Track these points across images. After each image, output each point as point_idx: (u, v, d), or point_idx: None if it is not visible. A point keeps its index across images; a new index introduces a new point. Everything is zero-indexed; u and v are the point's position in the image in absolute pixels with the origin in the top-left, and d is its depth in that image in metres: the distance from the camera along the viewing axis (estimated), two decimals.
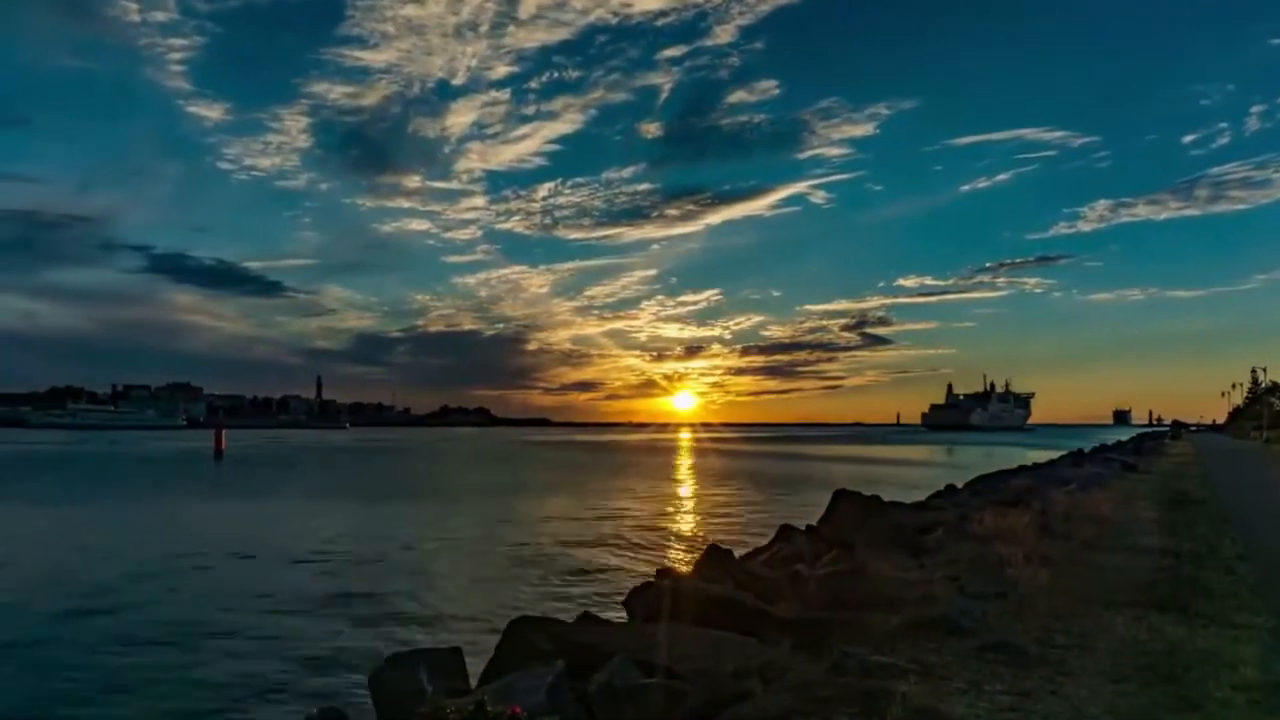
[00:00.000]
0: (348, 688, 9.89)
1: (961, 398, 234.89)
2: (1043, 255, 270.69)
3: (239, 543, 22.97)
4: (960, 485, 26.34)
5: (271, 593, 16.03)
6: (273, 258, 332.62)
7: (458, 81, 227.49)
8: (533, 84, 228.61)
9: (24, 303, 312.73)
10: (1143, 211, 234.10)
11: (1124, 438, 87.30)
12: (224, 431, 76.66)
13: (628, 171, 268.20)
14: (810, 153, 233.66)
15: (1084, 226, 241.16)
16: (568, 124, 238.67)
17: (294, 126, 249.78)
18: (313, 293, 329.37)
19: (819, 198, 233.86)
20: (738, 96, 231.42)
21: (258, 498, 36.26)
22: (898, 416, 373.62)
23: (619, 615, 9.63)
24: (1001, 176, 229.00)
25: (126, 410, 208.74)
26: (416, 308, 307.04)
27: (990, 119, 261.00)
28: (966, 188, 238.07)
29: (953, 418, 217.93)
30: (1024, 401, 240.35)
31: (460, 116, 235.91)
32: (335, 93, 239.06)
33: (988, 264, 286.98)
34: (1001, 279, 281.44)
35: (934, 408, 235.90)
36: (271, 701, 9.83)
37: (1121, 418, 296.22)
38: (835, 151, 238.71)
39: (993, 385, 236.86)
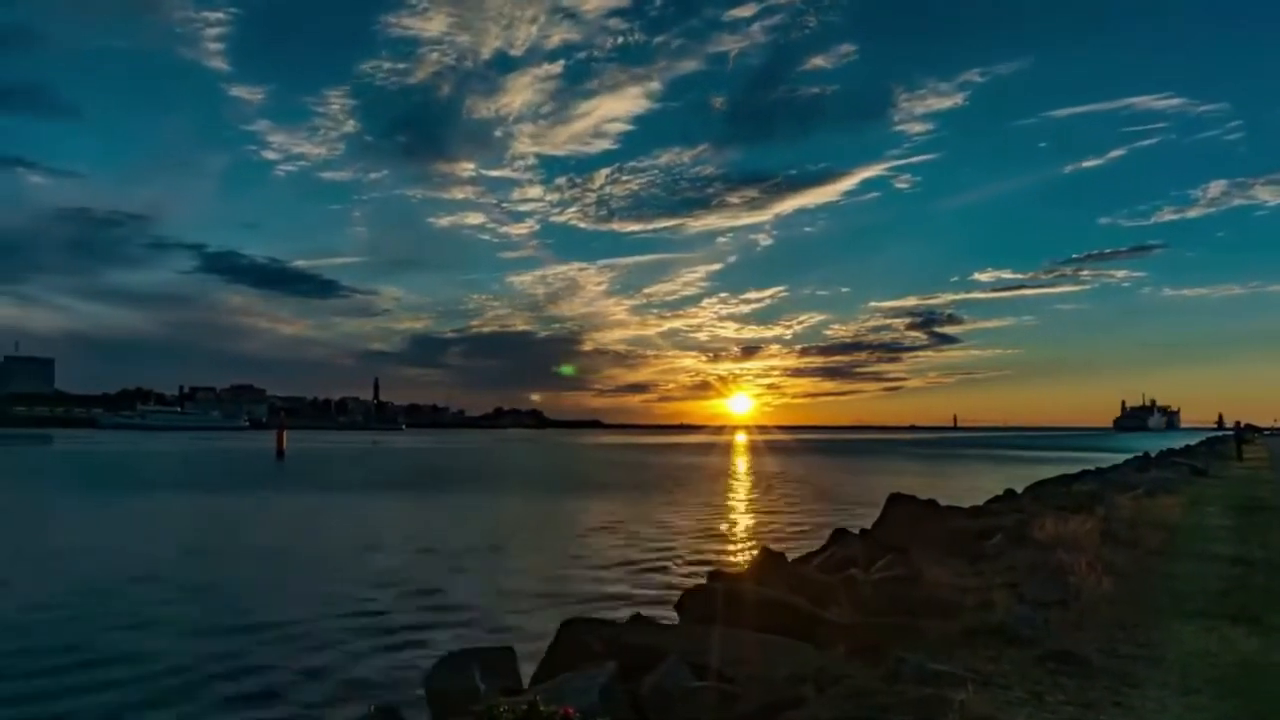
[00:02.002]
0: (402, 685, 10.04)
1: (1131, 409, 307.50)
2: (1137, 245, 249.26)
3: (294, 540, 23.53)
4: (1020, 490, 25.74)
5: (329, 589, 16.34)
6: (324, 255, 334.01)
7: (515, 52, 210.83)
8: (594, 53, 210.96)
9: (85, 305, 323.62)
10: (1262, 194, 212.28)
11: (1192, 442, 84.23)
12: (285, 433, 78.81)
13: (689, 155, 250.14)
14: (890, 129, 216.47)
15: (1192, 212, 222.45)
16: (629, 100, 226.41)
17: (339, 109, 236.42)
18: (367, 293, 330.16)
19: (896, 183, 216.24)
20: (813, 63, 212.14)
21: (319, 497, 37.07)
22: (954, 419, 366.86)
23: (671, 617, 9.62)
24: (1116, 152, 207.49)
25: (192, 411, 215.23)
26: (471, 308, 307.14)
27: (1098, 86, 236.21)
28: (1070, 168, 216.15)
29: (1135, 423, 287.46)
30: (1165, 411, 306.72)
31: (516, 95, 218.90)
32: (383, 69, 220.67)
33: (1074, 255, 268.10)
34: (1086, 271, 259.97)
35: (1122, 416, 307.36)
36: (326, 698, 10.02)
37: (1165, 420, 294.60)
38: (917, 128, 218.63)
39: (1152, 401, 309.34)
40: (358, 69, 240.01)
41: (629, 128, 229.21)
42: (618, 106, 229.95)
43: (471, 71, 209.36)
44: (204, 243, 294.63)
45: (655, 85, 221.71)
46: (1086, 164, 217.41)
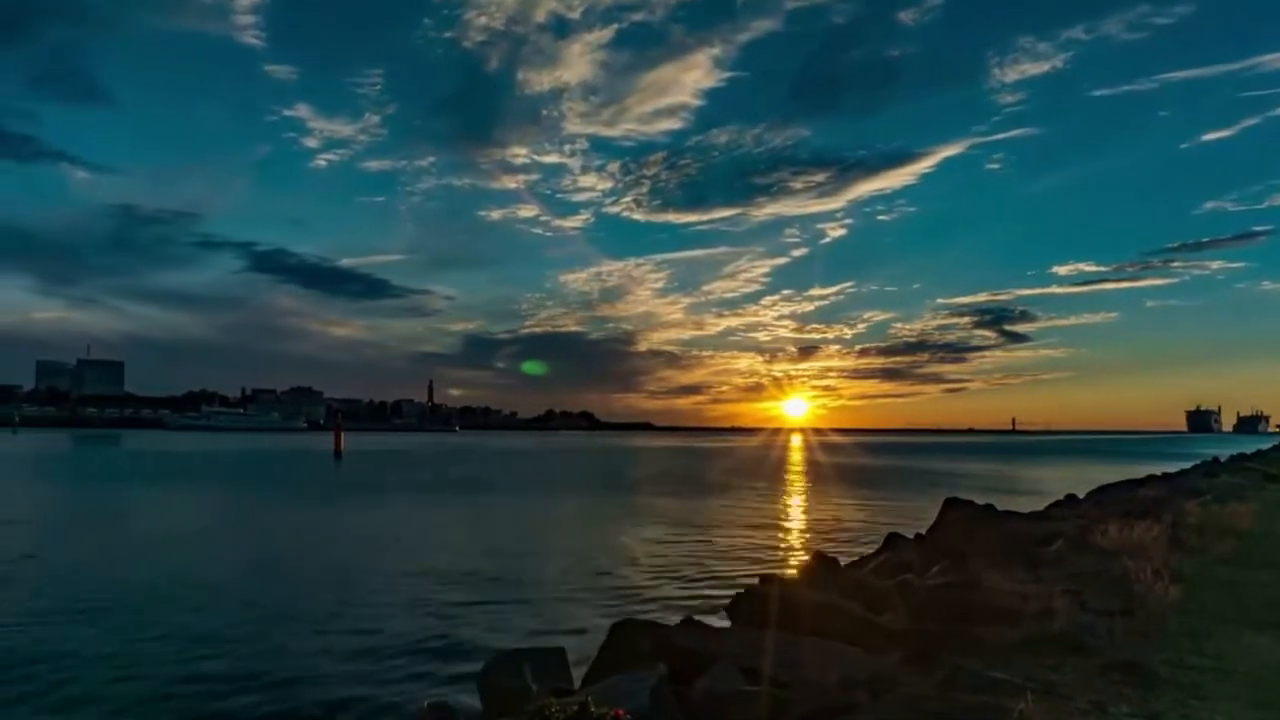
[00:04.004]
0: (456, 683, 10.16)
1: (1243, 417, 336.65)
2: (1241, 232, 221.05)
3: (352, 536, 23.97)
4: (1082, 495, 25.12)
5: (385, 587, 16.61)
6: (371, 252, 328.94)
7: (571, 15, 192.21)
8: (656, 12, 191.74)
9: (140, 307, 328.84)
10: None
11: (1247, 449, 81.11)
12: (342, 434, 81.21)
13: (751, 135, 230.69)
14: (976, 100, 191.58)
15: None
16: (692, 70, 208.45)
17: (380, 87, 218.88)
18: (418, 293, 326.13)
19: (981, 164, 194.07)
20: (896, 18, 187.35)
21: (375, 495, 37.76)
22: (1013, 422, 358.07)
23: (722, 621, 9.58)
24: (1250, 120, 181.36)
25: (254, 413, 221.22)
26: (524, 308, 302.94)
27: (1226, 42, 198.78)
28: (1187, 144, 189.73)
29: (1251, 428, 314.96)
30: (1266, 419, 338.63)
31: (570, 66, 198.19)
32: (427, 37, 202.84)
33: (1168, 245, 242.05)
34: (1177, 263, 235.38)
35: (1239, 425, 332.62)
36: (381, 694, 10.18)
37: (1200, 422, 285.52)
38: (1008, 98, 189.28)
39: (1261, 412, 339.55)
40: (399, 37, 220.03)
41: (690, 101, 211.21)
42: (680, 77, 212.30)
43: (523, 38, 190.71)
44: (252, 241, 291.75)
45: (719, 51, 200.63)
46: (1209, 137, 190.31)
